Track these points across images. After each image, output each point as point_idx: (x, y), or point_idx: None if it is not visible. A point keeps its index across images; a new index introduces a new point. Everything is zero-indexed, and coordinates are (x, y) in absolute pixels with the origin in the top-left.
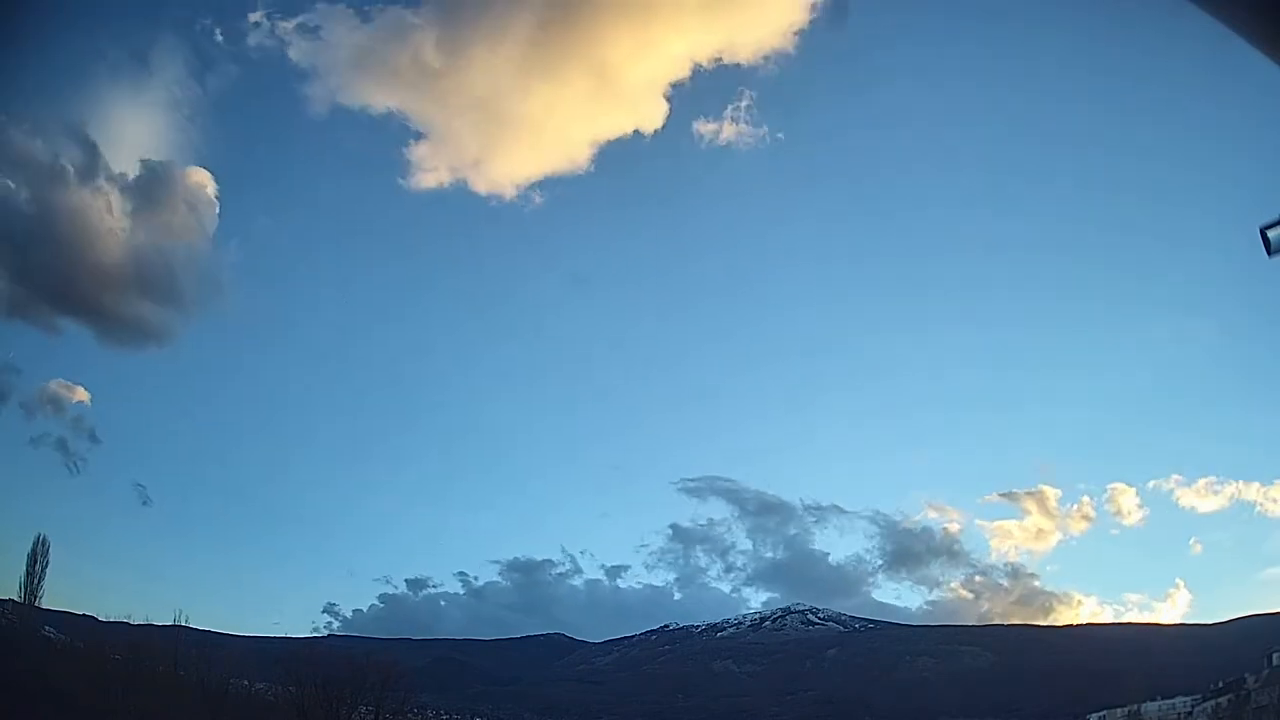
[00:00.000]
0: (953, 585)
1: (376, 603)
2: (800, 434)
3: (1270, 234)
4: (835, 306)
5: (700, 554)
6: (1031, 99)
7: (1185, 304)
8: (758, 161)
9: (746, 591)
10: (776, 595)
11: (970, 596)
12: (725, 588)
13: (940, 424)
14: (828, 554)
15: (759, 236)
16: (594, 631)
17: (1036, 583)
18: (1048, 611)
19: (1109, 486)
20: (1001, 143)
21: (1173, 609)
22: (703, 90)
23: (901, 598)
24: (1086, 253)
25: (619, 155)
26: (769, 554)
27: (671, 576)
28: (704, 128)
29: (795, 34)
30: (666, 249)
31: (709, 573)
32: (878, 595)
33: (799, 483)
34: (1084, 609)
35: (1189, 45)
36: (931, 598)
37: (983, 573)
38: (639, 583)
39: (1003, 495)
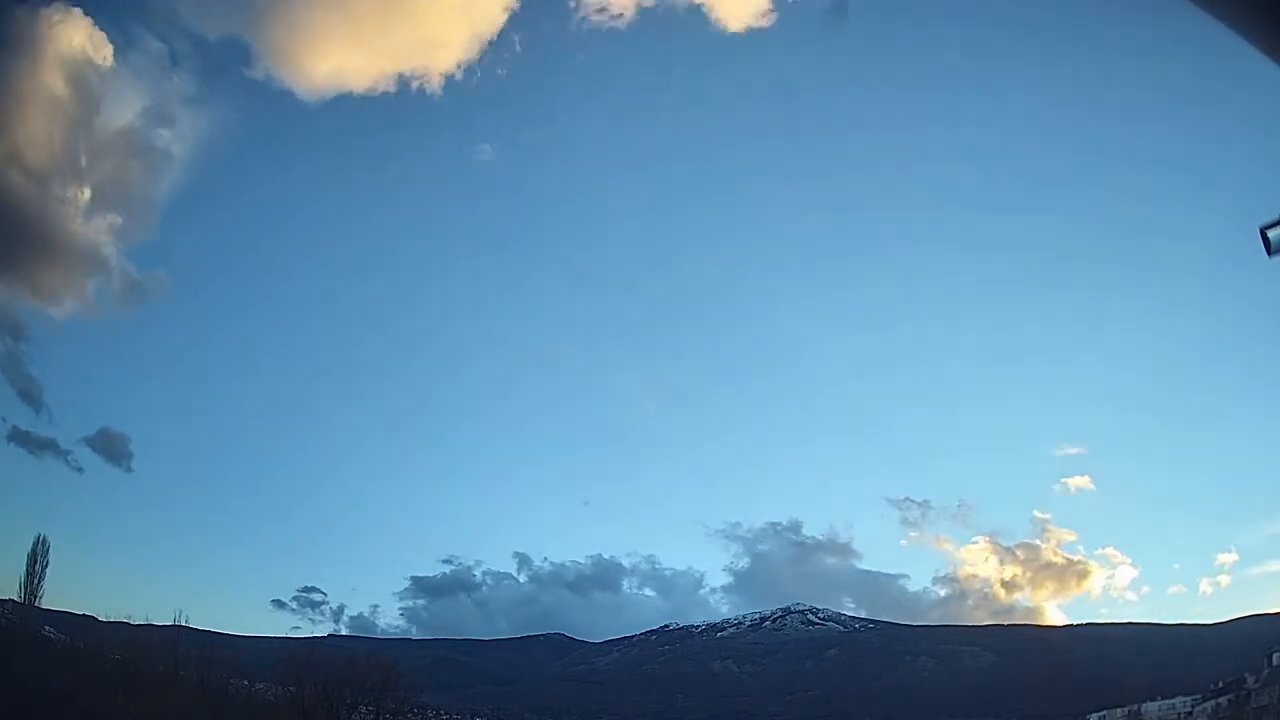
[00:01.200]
0: (971, 550)
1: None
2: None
3: (1270, 234)
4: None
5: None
6: (1032, 95)
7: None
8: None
9: (708, 563)
10: (746, 562)
11: (996, 563)
12: (681, 565)
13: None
14: (802, 522)
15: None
16: (587, 626)
17: (1064, 552)
18: (1082, 577)
19: (1144, 452)
20: (1004, 136)
21: (1222, 578)
22: None
23: (910, 568)
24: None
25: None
26: (725, 521)
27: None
28: None
29: None
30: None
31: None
32: (873, 566)
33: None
34: (1121, 574)
35: (1189, 45)
36: (945, 571)
37: (1006, 535)
38: (583, 556)
39: (1026, 458)
